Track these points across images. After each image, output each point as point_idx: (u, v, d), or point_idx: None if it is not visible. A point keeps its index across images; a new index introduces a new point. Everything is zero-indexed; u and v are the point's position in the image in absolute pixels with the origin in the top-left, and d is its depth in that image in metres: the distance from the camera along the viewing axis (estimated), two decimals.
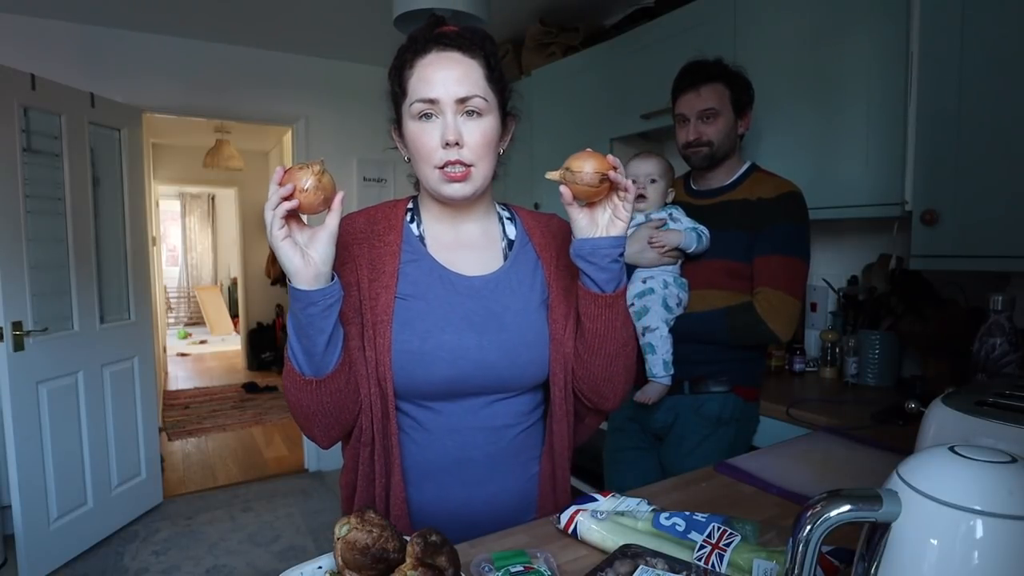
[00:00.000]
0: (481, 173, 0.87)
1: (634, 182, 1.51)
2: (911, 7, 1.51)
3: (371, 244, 0.91)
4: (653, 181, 1.52)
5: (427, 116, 0.85)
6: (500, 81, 0.89)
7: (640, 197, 1.52)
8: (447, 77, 0.84)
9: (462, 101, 0.84)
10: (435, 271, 0.91)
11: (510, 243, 0.98)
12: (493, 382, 0.90)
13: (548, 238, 1.00)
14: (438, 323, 0.88)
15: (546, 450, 0.97)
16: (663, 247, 1.46)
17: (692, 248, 1.47)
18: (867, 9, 1.62)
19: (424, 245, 0.93)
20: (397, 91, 0.89)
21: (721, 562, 0.72)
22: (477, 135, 0.85)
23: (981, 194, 1.36)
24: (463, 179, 0.85)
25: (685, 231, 1.47)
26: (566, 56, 2.79)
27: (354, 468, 0.94)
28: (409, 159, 0.93)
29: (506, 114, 0.92)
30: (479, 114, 0.85)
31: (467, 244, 0.95)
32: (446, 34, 0.86)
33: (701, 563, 0.72)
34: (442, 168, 0.85)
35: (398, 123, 0.92)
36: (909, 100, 1.52)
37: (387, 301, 0.87)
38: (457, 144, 0.84)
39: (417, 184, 0.99)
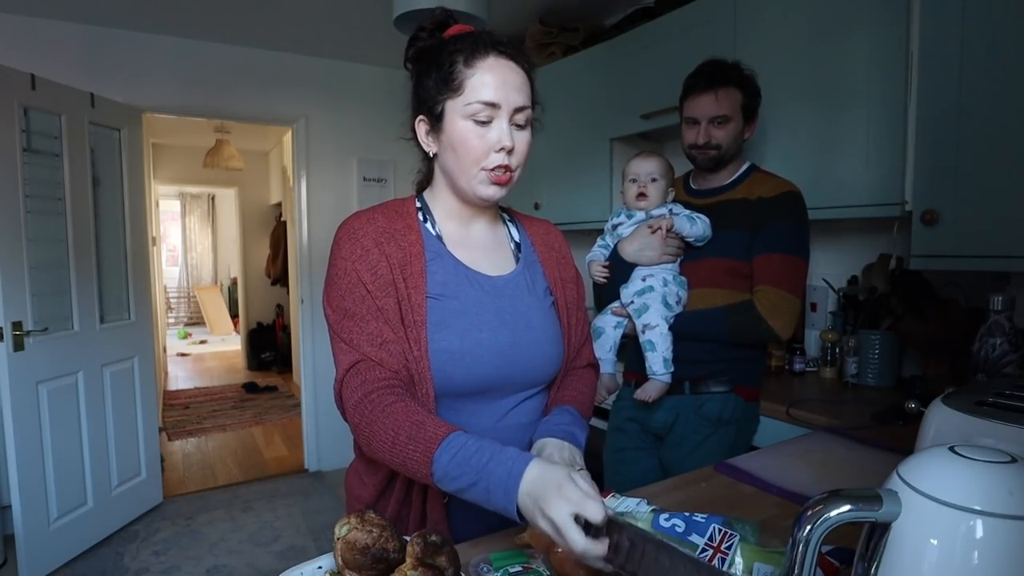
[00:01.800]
0: (516, 179, 0.90)
1: (634, 181, 1.54)
2: (911, 7, 1.51)
3: (398, 243, 0.90)
4: (654, 180, 1.52)
5: (482, 119, 0.85)
6: (534, 95, 0.92)
7: (641, 196, 1.53)
8: (509, 84, 0.86)
9: (519, 110, 0.87)
10: (460, 270, 0.92)
11: (517, 245, 1.02)
12: (524, 378, 0.93)
13: (547, 249, 1.04)
14: (475, 322, 0.89)
15: None
16: (659, 229, 1.47)
17: (686, 231, 1.47)
18: (867, 9, 1.62)
19: (443, 244, 0.94)
20: (450, 86, 0.86)
21: (723, 565, 0.72)
22: (524, 145, 0.89)
23: (981, 194, 1.36)
24: (506, 183, 0.88)
25: (678, 217, 1.48)
26: (566, 56, 2.79)
27: (387, 473, 0.92)
28: (433, 154, 0.93)
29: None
30: (526, 124, 0.89)
31: (480, 244, 0.97)
32: (502, 41, 0.88)
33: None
34: (491, 170, 0.86)
35: (433, 116, 0.89)
36: (909, 100, 1.52)
37: (419, 301, 0.87)
38: (511, 151, 0.86)
39: (422, 183, 1.00)
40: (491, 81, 0.85)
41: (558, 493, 0.64)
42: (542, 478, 0.67)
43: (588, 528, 0.64)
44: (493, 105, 0.85)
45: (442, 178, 0.94)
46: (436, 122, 0.89)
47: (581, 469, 0.84)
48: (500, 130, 0.85)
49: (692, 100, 1.53)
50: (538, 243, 1.03)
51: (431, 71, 0.89)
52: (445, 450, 0.73)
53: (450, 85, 0.86)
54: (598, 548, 0.63)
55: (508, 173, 0.87)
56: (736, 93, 1.49)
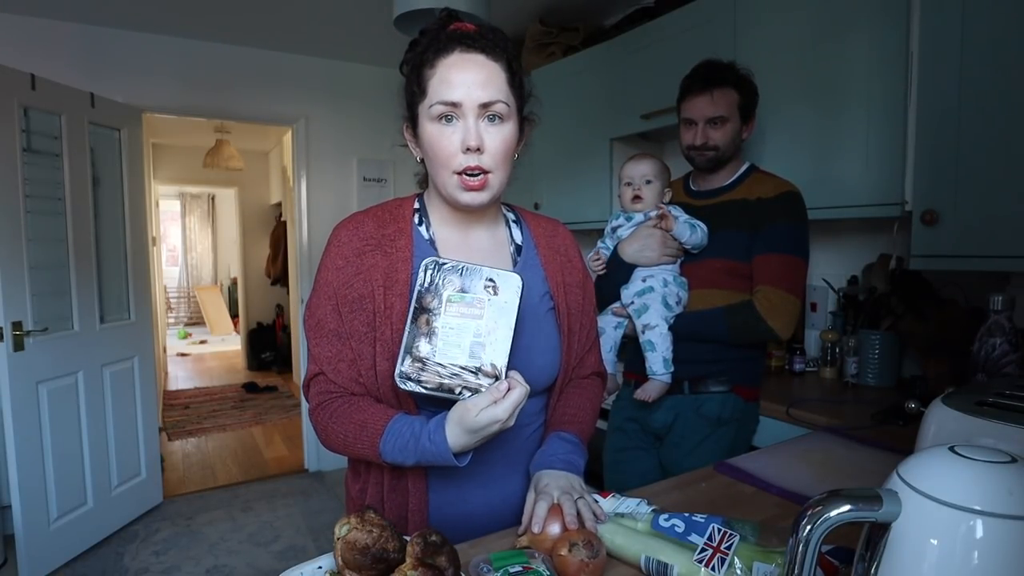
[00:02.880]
0: (498, 180, 0.86)
1: (629, 184, 1.54)
2: (911, 7, 1.51)
3: (384, 251, 0.89)
4: (648, 182, 1.52)
5: (448, 119, 0.83)
6: (520, 85, 0.88)
7: (636, 198, 1.53)
8: (471, 80, 0.82)
9: (485, 106, 0.82)
10: None
11: (518, 248, 0.98)
12: None
13: (552, 251, 1.00)
14: None
15: None
16: (664, 219, 1.47)
17: (685, 237, 1.47)
18: (867, 9, 1.62)
19: (435, 249, 0.92)
20: (415, 89, 0.86)
21: (723, 565, 0.72)
22: (498, 141, 0.84)
23: (981, 194, 1.36)
24: (481, 187, 0.84)
25: (679, 222, 1.48)
26: (566, 56, 2.79)
27: (367, 476, 0.94)
28: (422, 159, 0.91)
29: (523, 118, 0.90)
30: (500, 119, 0.84)
31: (476, 248, 0.94)
32: (469, 34, 0.84)
33: (702, 564, 0.72)
34: (460, 174, 0.83)
35: (412, 122, 0.89)
36: (909, 100, 1.52)
37: (403, 310, 0.85)
38: (478, 150, 0.82)
39: (423, 183, 0.99)
40: (452, 79, 0.82)
41: (471, 416, 0.76)
42: (451, 427, 0.78)
43: None
44: (454, 104, 0.82)
45: (432, 182, 0.93)
46: (415, 127, 0.88)
47: (580, 498, 0.84)
48: (465, 129, 0.82)
49: (688, 101, 1.53)
50: (542, 245, 1.00)
51: (409, 76, 0.88)
52: (387, 444, 0.82)
53: (418, 89, 0.85)
54: (515, 395, 0.76)
55: (483, 176, 0.83)
56: (732, 93, 1.49)
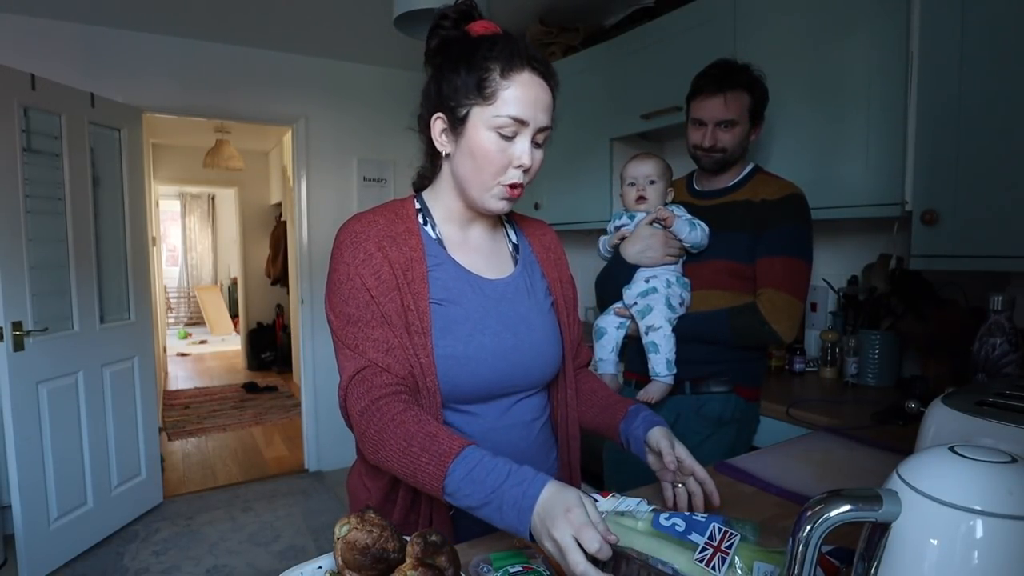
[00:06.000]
0: (522, 193, 0.90)
1: (632, 184, 1.54)
2: (911, 7, 1.51)
3: (399, 247, 0.89)
4: (652, 182, 1.52)
5: (509, 133, 0.84)
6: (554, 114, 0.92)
7: (640, 199, 1.53)
8: (540, 103, 0.85)
9: (542, 130, 0.86)
10: (461, 275, 0.92)
11: (515, 247, 1.02)
12: (527, 380, 0.94)
13: (545, 250, 1.05)
14: (477, 326, 0.89)
15: (561, 440, 1.03)
16: (664, 218, 1.48)
17: (684, 234, 1.47)
18: (867, 9, 1.62)
19: (444, 248, 0.93)
20: (477, 91, 0.83)
21: (723, 564, 0.72)
22: (538, 164, 0.89)
23: (981, 194, 1.36)
24: (517, 198, 0.89)
25: (679, 219, 1.48)
26: (566, 56, 2.79)
27: (391, 478, 0.92)
28: (447, 155, 0.90)
29: None
30: (543, 144, 0.89)
31: (478, 247, 0.97)
32: (537, 57, 0.86)
33: (703, 564, 0.72)
34: (504, 184, 0.87)
35: (455, 118, 0.86)
36: (909, 100, 1.52)
37: (423, 307, 0.86)
38: (528, 169, 0.87)
39: (420, 183, 1.00)
40: (523, 97, 0.83)
41: (565, 516, 0.64)
42: (553, 500, 0.67)
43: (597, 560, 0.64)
44: (521, 122, 0.84)
45: (449, 180, 0.92)
46: (458, 124, 0.86)
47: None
48: (523, 148, 0.85)
49: (700, 101, 1.51)
50: (536, 244, 1.04)
51: (459, 69, 0.85)
52: (460, 465, 0.72)
53: (482, 92, 0.83)
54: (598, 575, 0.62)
55: (520, 189, 0.88)
56: (745, 96, 1.48)
